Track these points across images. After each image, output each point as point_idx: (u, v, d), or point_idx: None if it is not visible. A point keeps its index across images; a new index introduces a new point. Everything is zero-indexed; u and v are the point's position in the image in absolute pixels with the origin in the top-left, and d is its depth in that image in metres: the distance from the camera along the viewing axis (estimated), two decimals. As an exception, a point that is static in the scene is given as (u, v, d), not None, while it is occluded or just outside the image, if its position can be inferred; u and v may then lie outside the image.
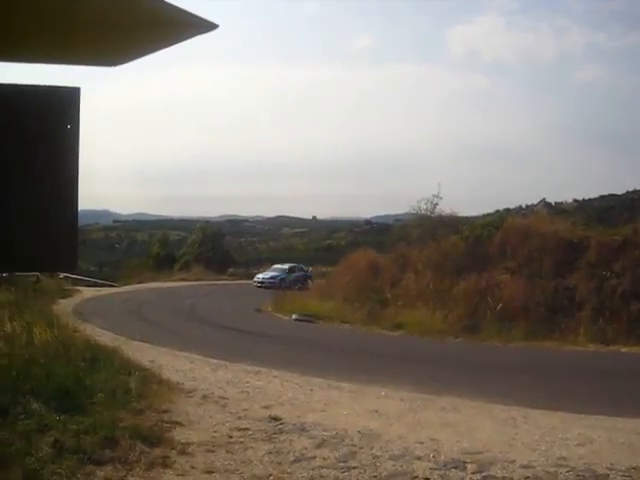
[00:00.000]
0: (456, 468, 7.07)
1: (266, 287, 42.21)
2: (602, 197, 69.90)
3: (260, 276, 46.03)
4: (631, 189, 67.53)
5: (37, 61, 2.45)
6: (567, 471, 6.84)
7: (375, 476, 6.89)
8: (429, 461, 7.33)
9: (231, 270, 57.80)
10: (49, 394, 8.60)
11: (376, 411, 9.90)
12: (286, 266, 47.44)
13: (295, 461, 7.41)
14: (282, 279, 44.25)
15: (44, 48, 2.36)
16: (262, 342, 20.03)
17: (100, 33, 2.25)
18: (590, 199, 70.29)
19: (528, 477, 6.71)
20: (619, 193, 69.06)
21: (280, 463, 7.33)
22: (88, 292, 37.82)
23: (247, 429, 8.70)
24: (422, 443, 8.02)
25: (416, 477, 6.83)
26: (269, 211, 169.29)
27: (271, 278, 44.67)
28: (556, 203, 58.53)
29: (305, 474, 6.96)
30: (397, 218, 63.37)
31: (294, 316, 26.94)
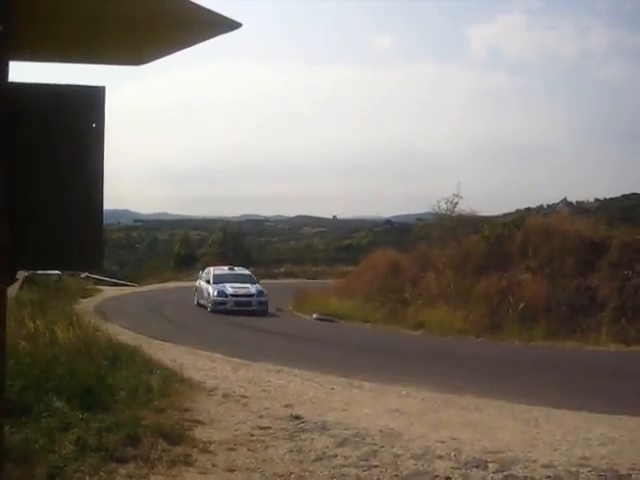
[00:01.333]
0: (477, 467, 7.04)
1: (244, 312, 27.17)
2: (624, 196, 69.34)
3: (233, 290, 28.83)
4: (654, 188, 66.99)
5: (63, 61, 2.48)
6: (589, 471, 6.80)
7: (396, 475, 6.87)
8: (450, 460, 7.30)
9: (252, 270, 57.89)
10: (72, 392, 8.66)
11: (397, 410, 9.88)
12: (246, 271, 33.23)
13: (316, 460, 7.41)
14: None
15: (70, 48, 2.39)
16: (283, 341, 20.09)
17: (125, 33, 2.27)
18: (612, 198, 69.77)
19: (549, 476, 6.67)
20: (642, 192, 68.45)
21: (301, 462, 7.33)
22: (109, 292, 38.09)
23: (268, 428, 8.70)
24: (443, 442, 8.00)
25: (437, 476, 6.81)
26: (289, 210, 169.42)
27: (260, 295, 29.13)
28: (577, 202, 58.01)
29: (326, 473, 6.96)
30: (418, 217, 63.32)
31: (315, 315, 27.02)
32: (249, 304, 28.41)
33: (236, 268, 32.94)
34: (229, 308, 27.90)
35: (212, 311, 28.07)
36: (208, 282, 29.88)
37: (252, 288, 29.43)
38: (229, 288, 28.90)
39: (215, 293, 28.76)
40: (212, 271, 31.05)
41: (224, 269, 32.06)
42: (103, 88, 2.43)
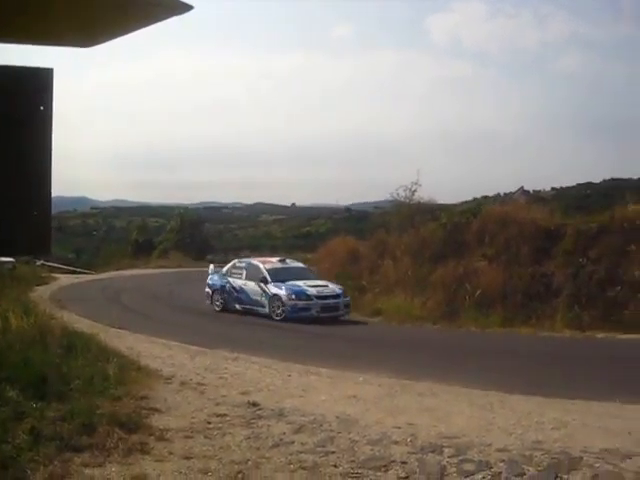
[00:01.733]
0: (433, 452, 7.11)
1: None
2: (579, 185, 70.61)
3: (315, 290, 21.93)
4: (608, 177, 68.26)
5: (9, 41, 2.43)
6: (542, 454, 6.91)
7: (353, 461, 6.92)
8: (406, 445, 7.37)
9: (210, 257, 57.84)
10: (26, 381, 8.57)
11: (354, 396, 9.94)
12: (300, 264, 25.62)
13: (273, 446, 7.44)
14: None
15: (17, 28, 2.34)
16: (241, 328, 20.06)
17: (74, 13, 2.23)
18: (568, 187, 70.96)
19: (504, 460, 6.77)
20: (596, 181, 69.81)
21: (258, 448, 7.35)
22: (65, 279, 37.61)
23: (225, 415, 8.71)
24: (400, 428, 8.06)
25: (393, 461, 6.87)
26: (248, 198, 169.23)
27: (344, 295, 22.47)
28: (534, 191, 58.71)
29: (283, 459, 6.98)
30: (376, 205, 63.46)
31: (273, 303, 26.89)
32: (337, 308, 21.95)
33: (288, 260, 25.27)
34: (315, 315, 21.26)
35: (287, 319, 21.21)
36: (263, 281, 22.65)
37: (334, 287, 22.64)
38: (309, 288, 22.01)
39: (292, 295, 21.68)
40: (262, 266, 23.38)
41: (273, 262, 24.34)
42: (51, 70, 2.37)
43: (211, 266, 26.74)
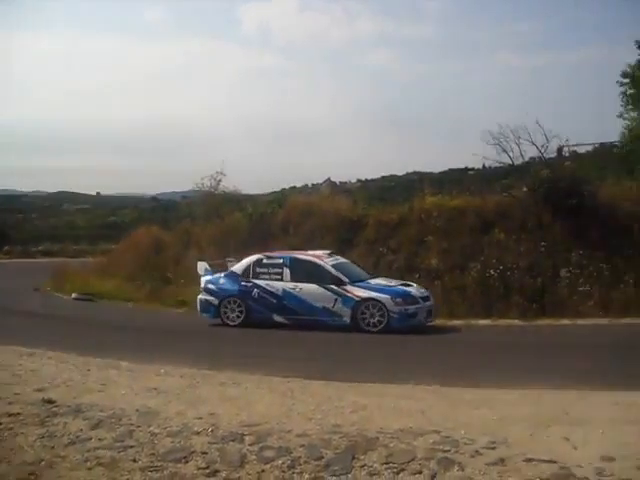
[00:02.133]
0: (234, 441, 7.11)
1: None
2: (384, 177, 73.61)
3: (417, 291, 17.65)
4: (411, 170, 71.56)
5: None
6: (340, 437, 7.08)
7: (153, 454, 6.79)
8: (207, 435, 7.32)
9: (7, 248, 55.31)
10: None
11: (155, 389, 9.76)
12: (342, 258, 19.61)
13: (69, 444, 7.15)
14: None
15: None
16: (38, 322, 19.33)
17: None
18: (373, 179, 73.77)
19: (303, 445, 6.88)
20: (399, 174, 73.00)
21: (53, 447, 7.04)
22: None
23: (18, 414, 8.26)
24: (201, 418, 8.01)
25: (194, 452, 6.81)
26: (49, 186, 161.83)
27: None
28: (340, 182, 60.54)
29: (79, 456, 6.74)
30: (184, 195, 62.92)
31: (74, 295, 26.31)
32: (431, 312, 17.77)
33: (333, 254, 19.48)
34: (423, 321, 17.28)
35: (387, 330, 16.62)
36: (335, 282, 17.61)
37: (415, 285, 18.29)
38: (405, 288, 17.68)
39: (397, 299, 16.88)
40: (323, 262, 18.21)
41: (323, 256, 18.85)
42: None
43: (203, 265, 20.13)
